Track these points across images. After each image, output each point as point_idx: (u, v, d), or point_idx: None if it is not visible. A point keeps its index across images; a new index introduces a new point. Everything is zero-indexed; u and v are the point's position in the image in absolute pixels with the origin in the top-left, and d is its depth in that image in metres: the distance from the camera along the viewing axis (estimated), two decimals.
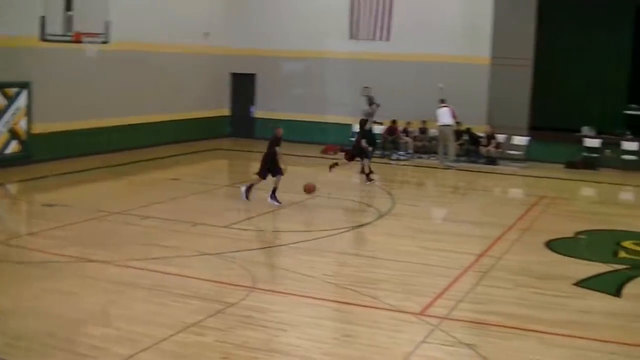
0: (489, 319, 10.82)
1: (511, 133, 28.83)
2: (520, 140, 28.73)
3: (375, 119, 26.01)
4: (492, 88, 29.42)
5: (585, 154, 28.79)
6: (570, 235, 16.81)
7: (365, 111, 25.90)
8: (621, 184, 25.38)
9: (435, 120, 27.49)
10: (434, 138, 28.77)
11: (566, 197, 22.71)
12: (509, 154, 28.41)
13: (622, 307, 11.85)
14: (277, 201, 18.37)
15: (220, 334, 9.85)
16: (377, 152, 26.63)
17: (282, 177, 18.51)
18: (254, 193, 18.77)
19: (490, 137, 28.37)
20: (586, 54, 31.42)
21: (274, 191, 18.44)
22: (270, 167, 18.45)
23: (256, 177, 18.78)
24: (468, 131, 28.80)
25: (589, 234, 17.10)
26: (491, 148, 28.16)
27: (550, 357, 9.53)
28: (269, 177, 18.59)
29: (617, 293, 12.53)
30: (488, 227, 17.30)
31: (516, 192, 24.54)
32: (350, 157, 22.87)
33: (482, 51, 29.38)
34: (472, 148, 28.66)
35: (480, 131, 28.78)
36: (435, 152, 28.09)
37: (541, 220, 18.34)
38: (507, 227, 17.15)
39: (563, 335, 10.31)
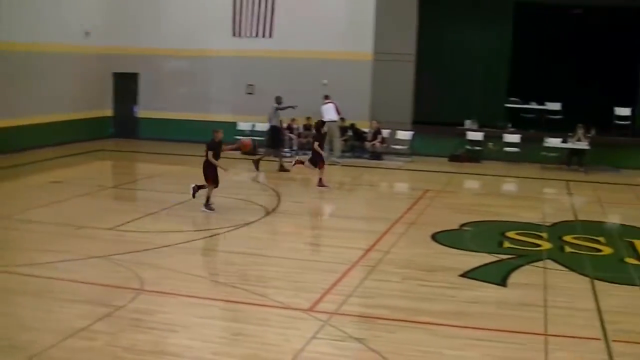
0: (378, 313, 10.87)
1: (395, 128, 29.13)
2: (404, 134, 29.05)
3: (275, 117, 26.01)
4: (376, 83, 29.71)
5: (468, 147, 29.33)
6: (456, 227, 17.06)
7: (274, 107, 25.81)
8: (504, 176, 25.88)
9: (320, 116, 27.55)
10: None
11: (450, 190, 23.04)
12: (394, 148, 28.69)
13: (508, 296, 12.04)
14: (211, 209, 17.88)
15: (110, 337, 9.66)
16: (261, 150, 26.55)
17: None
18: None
19: (376, 132, 28.60)
20: (468, 48, 32.07)
21: (207, 200, 17.95)
22: (208, 172, 18.06)
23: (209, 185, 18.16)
24: (352, 127, 29.00)
25: (474, 226, 17.38)
26: (377, 143, 28.41)
27: (440, 347, 9.61)
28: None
29: (502, 282, 12.75)
30: (375, 222, 17.42)
31: (402, 187, 24.81)
32: (315, 162, 22.27)
33: (365, 47, 29.65)
34: (357, 143, 28.88)
35: (365, 126, 29.01)
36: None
37: (427, 214, 18.55)
38: (393, 221, 17.29)
39: (451, 325, 10.43)
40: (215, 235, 15.67)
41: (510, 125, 30.18)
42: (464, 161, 28.66)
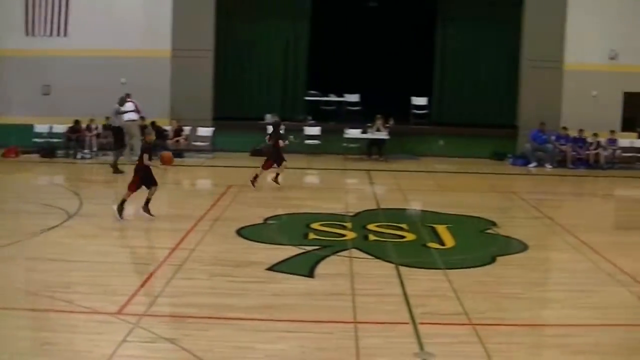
0: (188, 312, 10.71)
1: (196, 125, 28.97)
2: (205, 131, 28.91)
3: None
4: (175, 80, 29.44)
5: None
6: (260, 221, 17.08)
7: (116, 109, 25.08)
8: (306, 168, 26.11)
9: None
10: None
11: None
12: (195, 145, 28.52)
13: (316, 287, 12.14)
14: (150, 214, 17.04)
15: None
16: (61, 151, 25.88)
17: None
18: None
19: (178, 130, 28.38)
20: (266, 42, 32.17)
21: (146, 202, 17.15)
22: (144, 178, 17.19)
23: (127, 191, 17.23)
24: (153, 125, 28.60)
25: (279, 219, 17.48)
26: (181, 140, 28.20)
27: (251, 342, 9.56)
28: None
29: (310, 274, 12.83)
30: (179, 220, 17.17)
31: (204, 183, 24.69)
32: (270, 164, 21.83)
33: (163, 44, 29.31)
34: (158, 142, 28.47)
35: (165, 124, 28.72)
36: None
37: (231, 209, 18.47)
38: (197, 218, 17.13)
39: (262, 319, 10.39)
40: (15, 242, 15.02)
41: (310, 118, 30.56)
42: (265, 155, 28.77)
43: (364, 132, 29.03)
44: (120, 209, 16.95)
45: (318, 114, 31.18)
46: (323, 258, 13.83)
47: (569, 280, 13.44)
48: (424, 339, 9.76)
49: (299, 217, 17.90)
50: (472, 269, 13.58)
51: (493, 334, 10.10)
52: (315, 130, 29.36)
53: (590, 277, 13.41)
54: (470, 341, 9.79)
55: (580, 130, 29.29)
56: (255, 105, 31.25)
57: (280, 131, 22.70)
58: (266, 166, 21.81)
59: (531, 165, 28.98)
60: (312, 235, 15.76)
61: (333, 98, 31.65)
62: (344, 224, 16.88)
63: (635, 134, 30.43)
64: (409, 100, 31.38)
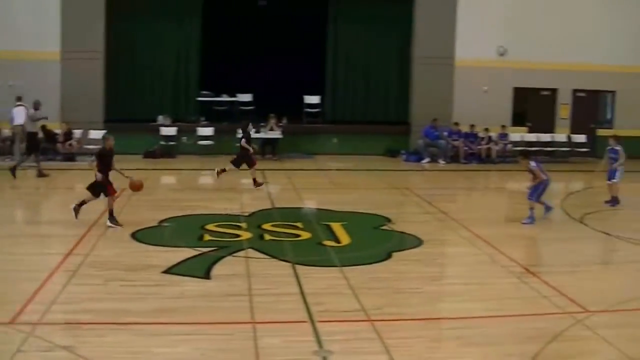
0: (84, 318, 10.55)
1: (87, 127, 28.57)
2: (96, 134, 28.51)
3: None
4: (65, 83, 29.02)
5: (162, 142, 29.24)
6: (155, 224, 16.94)
7: (32, 115, 24.47)
8: (199, 170, 26.00)
9: (11, 120, 26.47)
10: (8, 138, 27.76)
11: (147, 186, 22.71)
12: (87, 148, 28.10)
13: (213, 289, 12.12)
14: (117, 223, 16.53)
15: None
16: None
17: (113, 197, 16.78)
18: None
19: (68, 133, 27.94)
20: (157, 43, 31.92)
21: (110, 213, 16.66)
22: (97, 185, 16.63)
23: (88, 194, 16.84)
24: (43, 129, 28.08)
25: (173, 221, 17.36)
26: (73, 143, 27.78)
27: (149, 346, 9.50)
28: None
29: (206, 275, 12.80)
30: (72, 226, 16.81)
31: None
32: (238, 163, 22.10)
33: (51, 45, 28.79)
34: (49, 146, 28.00)
35: (55, 128, 28.23)
36: (11, 154, 27.05)
37: (125, 212, 18.15)
38: (91, 222, 16.83)
39: (158, 323, 10.33)
40: None
41: (203, 118, 30.43)
42: (158, 157, 28.57)
43: (257, 132, 29.01)
44: (112, 218, 16.69)
45: (211, 114, 31.11)
46: (219, 259, 13.81)
47: (464, 274, 13.72)
48: (323, 337, 9.82)
49: (194, 218, 17.83)
50: (368, 265, 13.72)
51: (391, 329, 10.23)
52: (208, 131, 29.25)
53: (485, 270, 13.71)
54: (368, 337, 9.89)
55: (472, 126, 29.89)
56: (147, 107, 31.01)
57: (250, 132, 22.77)
58: (251, 165, 22.26)
59: (424, 161, 29.42)
60: (207, 237, 15.71)
61: (226, 98, 31.59)
62: (239, 224, 16.88)
63: (525, 129, 31.15)
64: (302, 99, 31.53)
